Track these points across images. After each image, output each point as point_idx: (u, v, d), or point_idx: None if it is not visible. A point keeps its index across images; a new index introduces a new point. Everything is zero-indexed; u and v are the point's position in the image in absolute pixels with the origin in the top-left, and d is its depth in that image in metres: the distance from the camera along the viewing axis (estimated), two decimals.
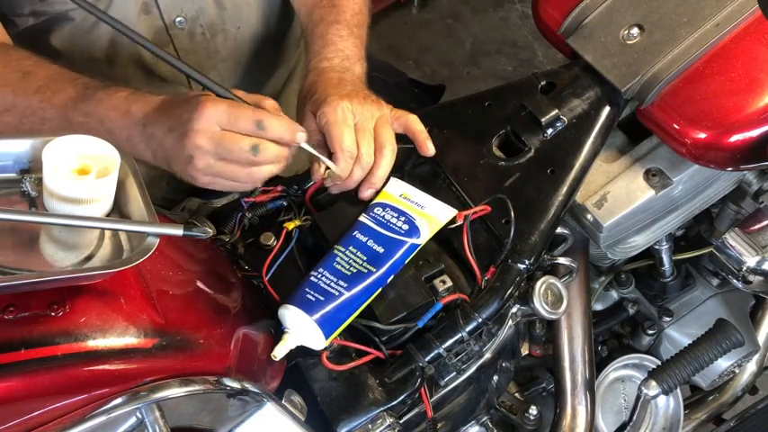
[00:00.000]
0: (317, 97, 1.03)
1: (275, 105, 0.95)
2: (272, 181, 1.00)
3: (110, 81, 1.01)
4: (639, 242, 1.18)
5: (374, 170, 1.02)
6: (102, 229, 0.81)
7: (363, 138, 1.01)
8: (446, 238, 1.04)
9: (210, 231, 0.92)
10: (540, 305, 1.01)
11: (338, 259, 0.96)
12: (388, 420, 0.93)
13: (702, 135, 1.03)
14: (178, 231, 0.83)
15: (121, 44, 1.20)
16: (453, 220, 1.02)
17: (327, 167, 1.01)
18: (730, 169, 1.11)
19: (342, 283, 0.94)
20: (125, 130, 0.96)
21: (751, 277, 1.12)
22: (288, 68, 1.44)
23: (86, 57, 1.20)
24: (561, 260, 1.08)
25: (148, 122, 0.95)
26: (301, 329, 0.92)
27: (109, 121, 0.96)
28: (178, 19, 1.20)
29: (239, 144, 0.90)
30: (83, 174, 0.79)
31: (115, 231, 0.82)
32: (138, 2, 1.17)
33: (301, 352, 0.97)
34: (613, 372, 1.30)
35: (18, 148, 0.83)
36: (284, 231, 1.04)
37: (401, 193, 1.04)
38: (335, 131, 0.99)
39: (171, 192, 1.30)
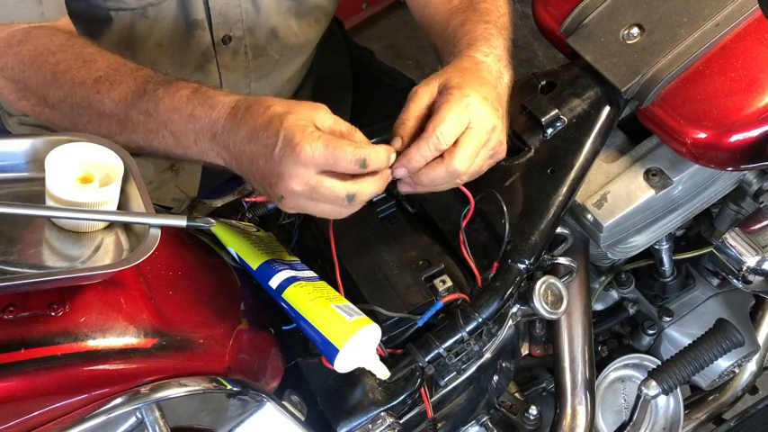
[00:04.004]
0: (457, 81, 0.92)
1: (363, 138, 0.88)
2: None
3: (171, 74, 0.96)
4: (639, 242, 1.17)
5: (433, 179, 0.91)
6: (104, 221, 0.81)
7: (468, 141, 0.90)
8: (446, 238, 1.04)
9: (213, 222, 0.92)
10: (540, 305, 1.01)
11: None
12: (388, 420, 0.93)
13: (702, 135, 1.03)
14: (181, 222, 0.83)
15: (164, 30, 1.18)
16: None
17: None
18: (730, 169, 1.11)
19: None
20: (191, 135, 0.91)
21: (751, 277, 1.11)
22: (300, 80, 1.43)
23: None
24: (561, 260, 1.08)
25: (219, 133, 0.89)
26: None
27: (172, 123, 0.91)
28: (226, 37, 1.20)
29: (335, 192, 0.84)
30: (86, 182, 0.80)
31: (116, 231, 0.83)
32: (188, 19, 1.16)
33: (301, 352, 0.97)
34: (613, 372, 1.29)
35: (23, 148, 0.83)
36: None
37: None
38: (443, 115, 0.88)
39: (181, 194, 1.30)
